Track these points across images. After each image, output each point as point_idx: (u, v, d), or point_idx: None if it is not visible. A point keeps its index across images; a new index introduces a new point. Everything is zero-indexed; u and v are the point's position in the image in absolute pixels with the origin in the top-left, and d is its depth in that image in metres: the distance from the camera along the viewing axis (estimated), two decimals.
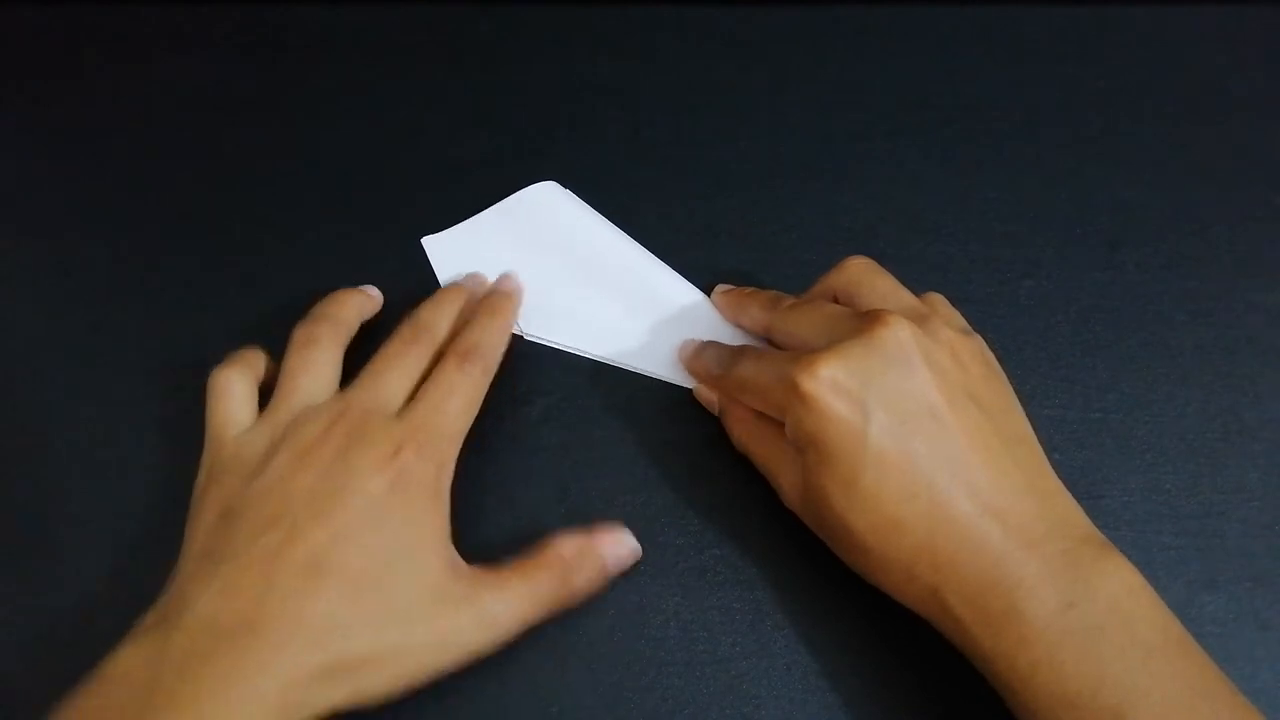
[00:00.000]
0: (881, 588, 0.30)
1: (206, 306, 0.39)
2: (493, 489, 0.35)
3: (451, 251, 0.40)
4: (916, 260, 0.41)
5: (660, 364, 0.37)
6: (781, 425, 0.31)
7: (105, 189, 0.43)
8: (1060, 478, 0.30)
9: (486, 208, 0.41)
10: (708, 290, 0.39)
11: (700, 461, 0.36)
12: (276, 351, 0.35)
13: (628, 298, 0.39)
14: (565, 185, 0.42)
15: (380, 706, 0.28)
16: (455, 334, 0.35)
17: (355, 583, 0.28)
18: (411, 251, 0.40)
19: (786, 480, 0.32)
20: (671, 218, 0.42)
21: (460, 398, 0.33)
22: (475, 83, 0.46)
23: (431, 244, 0.41)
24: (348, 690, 0.27)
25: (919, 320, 0.30)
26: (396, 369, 0.33)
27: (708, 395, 0.36)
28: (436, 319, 0.35)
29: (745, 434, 0.34)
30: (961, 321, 0.33)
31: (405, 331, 0.34)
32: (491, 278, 0.39)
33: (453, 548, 0.31)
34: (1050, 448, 0.30)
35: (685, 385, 0.37)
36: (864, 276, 0.34)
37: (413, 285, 0.39)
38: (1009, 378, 0.32)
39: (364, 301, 0.37)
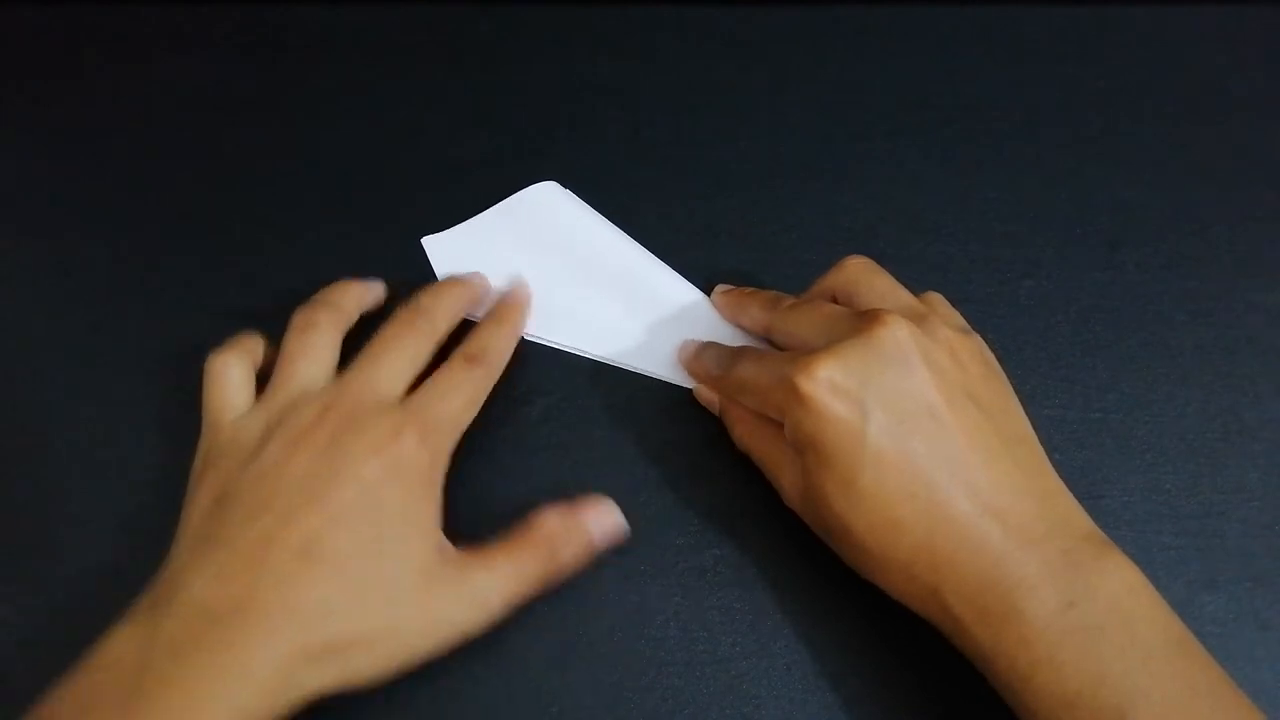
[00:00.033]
0: (882, 587, 0.30)
1: (206, 306, 0.39)
2: (493, 489, 0.35)
3: (451, 251, 0.40)
4: (916, 260, 0.41)
5: (660, 364, 0.37)
6: (782, 425, 0.31)
7: (105, 189, 0.43)
8: (1060, 477, 0.30)
9: (486, 208, 0.41)
10: (708, 290, 0.39)
11: (700, 461, 0.36)
12: (277, 346, 0.34)
13: (628, 298, 0.39)
14: (565, 185, 0.42)
15: (370, 690, 0.28)
16: (452, 324, 0.35)
17: (347, 567, 0.28)
18: (411, 251, 0.40)
19: (787, 480, 0.32)
20: (671, 218, 0.42)
21: (463, 394, 0.33)
22: (475, 83, 0.46)
23: (431, 244, 0.41)
24: (337, 672, 0.28)
25: (917, 320, 0.30)
26: (393, 352, 0.33)
27: (708, 395, 0.36)
28: (434, 305, 0.35)
29: (746, 433, 0.34)
30: (960, 320, 0.33)
31: (402, 315, 0.34)
32: (492, 278, 0.39)
33: (442, 534, 0.31)
34: (1050, 448, 0.30)
35: (685, 385, 0.37)
36: (862, 276, 0.34)
37: (413, 285, 0.38)
38: (1009, 378, 0.32)
39: (365, 292, 0.37)
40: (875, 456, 0.28)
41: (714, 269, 0.40)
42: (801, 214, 0.42)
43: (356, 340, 0.35)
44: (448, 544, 0.31)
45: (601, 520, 0.33)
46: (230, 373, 0.33)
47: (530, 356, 0.38)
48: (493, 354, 0.34)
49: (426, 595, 0.29)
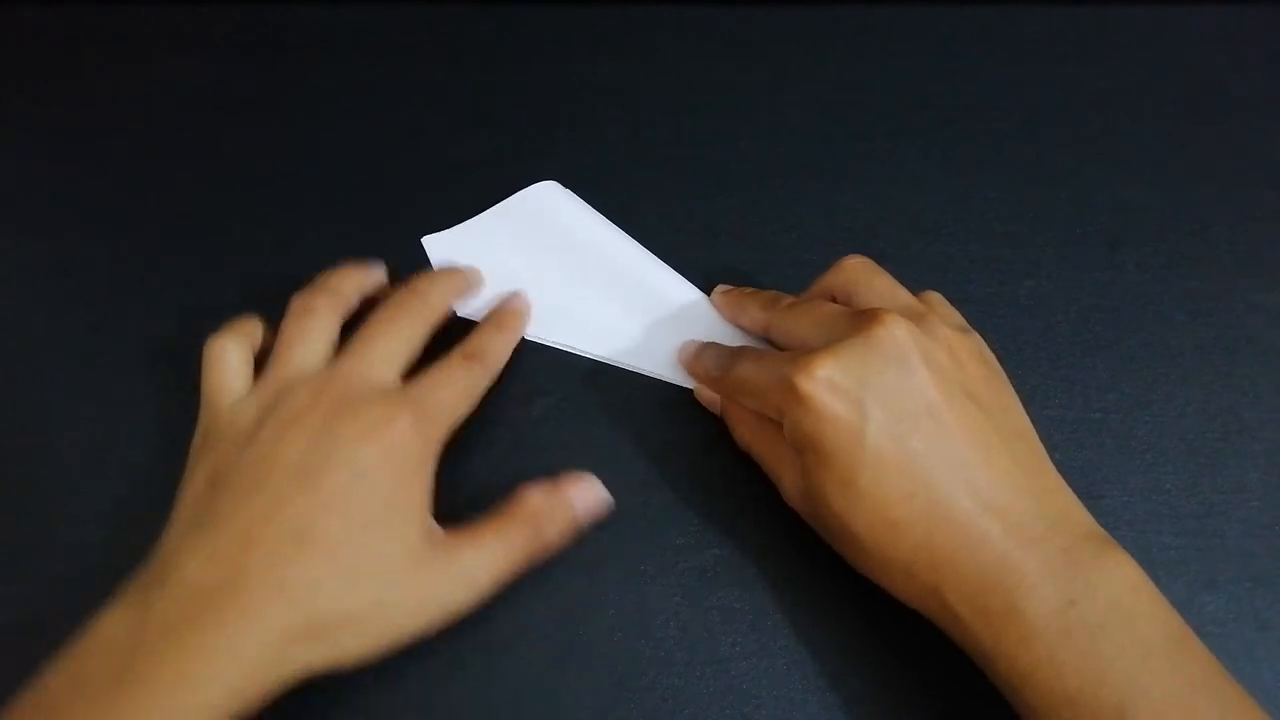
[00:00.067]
0: (883, 586, 0.30)
1: (206, 306, 0.39)
2: (493, 489, 0.35)
3: (451, 251, 0.40)
4: (916, 260, 0.41)
5: (660, 364, 0.37)
6: (783, 425, 0.31)
7: (105, 189, 0.43)
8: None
9: (486, 208, 0.41)
10: (708, 290, 0.39)
11: (700, 461, 0.36)
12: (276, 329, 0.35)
13: (628, 298, 0.39)
14: (565, 185, 0.42)
15: (360, 670, 0.29)
16: (446, 309, 0.36)
17: (337, 550, 0.28)
18: (411, 251, 0.40)
19: (788, 479, 0.32)
20: (671, 218, 0.42)
21: (459, 388, 0.33)
22: (475, 83, 0.46)
23: (431, 244, 0.41)
24: (326, 651, 0.28)
25: (916, 318, 0.30)
26: (387, 335, 0.33)
27: (709, 395, 0.36)
28: (428, 290, 0.35)
29: (748, 433, 0.34)
30: (959, 319, 0.33)
31: (396, 299, 0.34)
32: (492, 277, 0.39)
33: (431, 517, 0.31)
34: (1050, 448, 0.30)
35: (685, 385, 0.37)
36: (861, 275, 0.34)
37: None
38: (1009, 377, 0.32)
39: (365, 276, 0.37)
40: (874, 456, 0.28)
41: (714, 269, 0.40)
42: (801, 214, 0.42)
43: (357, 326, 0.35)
44: (436, 527, 0.31)
45: (584, 495, 0.33)
46: (228, 356, 0.33)
47: (530, 356, 0.38)
48: (490, 355, 0.35)
49: (415, 576, 0.29)
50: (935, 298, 0.34)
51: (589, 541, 0.34)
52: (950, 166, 0.44)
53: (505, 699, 0.32)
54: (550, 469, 0.36)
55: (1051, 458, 0.30)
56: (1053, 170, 0.44)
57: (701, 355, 0.36)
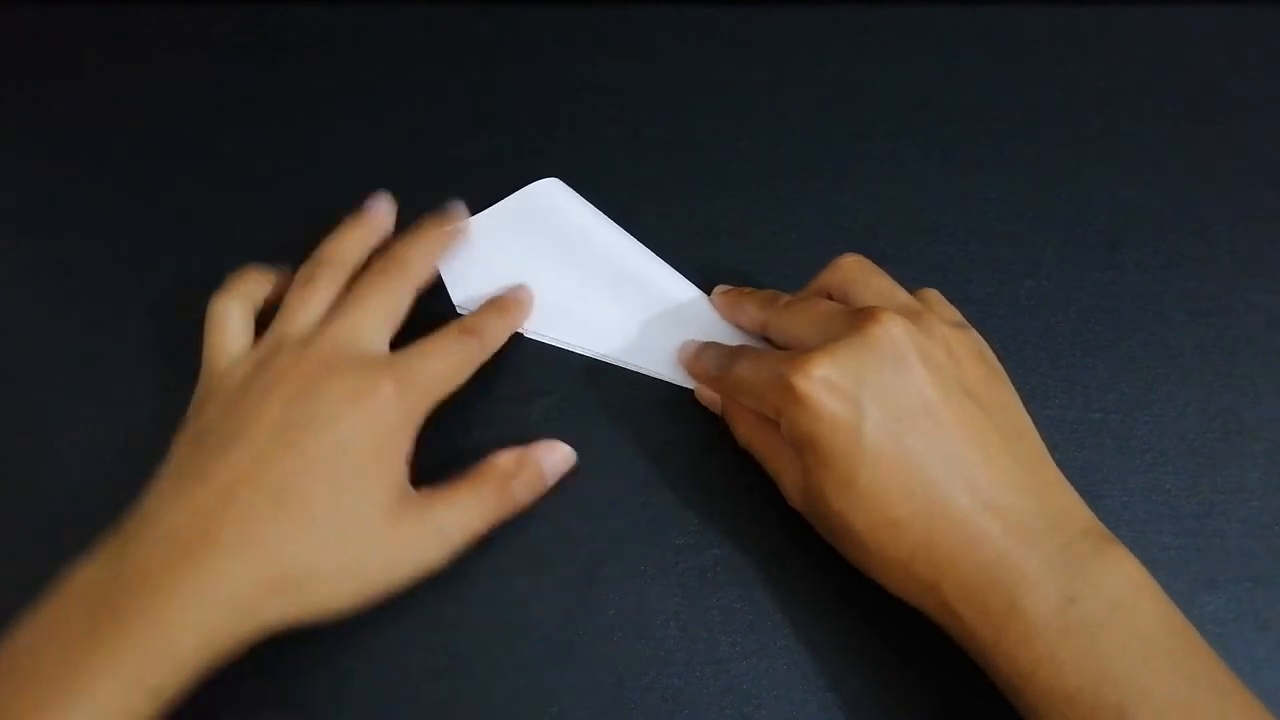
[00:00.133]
0: (883, 585, 0.30)
1: (206, 307, 0.39)
2: None
3: (452, 250, 0.40)
4: (916, 260, 0.41)
5: (660, 363, 0.37)
6: None
7: (105, 189, 0.43)
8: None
9: (486, 208, 0.41)
10: (708, 290, 0.39)
11: (700, 461, 0.36)
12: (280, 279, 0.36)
13: (629, 296, 0.39)
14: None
15: (335, 623, 0.29)
16: (429, 270, 0.36)
17: (313, 509, 0.29)
18: None
19: (789, 479, 0.32)
20: (671, 218, 0.42)
21: (451, 359, 0.33)
22: (475, 83, 0.46)
23: None
24: (299, 604, 0.29)
25: (913, 316, 0.30)
26: (370, 299, 0.34)
27: (709, 395, 0.36)
28: (409, 252, 0.36)
29: (749, 432, 0.34)
30: (957, 316, 0.33)
31: (378, 264, 0.35)
32: (493, 275, 0.39)
33: (407, 480, 0.31)
34: (1050, 448, 0.30)
35: (685, 385, 0.37)
36: (858, 274, 0.34)
37: None
38: (1009, 377, 0.32)
39: (367, 235, 0.37)
40: (873, 455, 0.28)
41: (714, 269, 0.40)
42: (801, 214, 0.42)
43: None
44: (410, 489, 0.32)
45: (551, 454, 0.34)
46: (230, 317, 0.34)
47: (530, 356, 0.38)
48: (488, 333, 0.35)
49: (389, 534, 0.30)
50: (933, 295, 0.34)
51: (589, 541, 0.34)
52: (950, 166, 0.44)
53: (506, 699, 0.32)
54: None
55: (1052, 458, 0.30)
56: (1053, 170, 0.44)
57: (701, 355, 0.36)
